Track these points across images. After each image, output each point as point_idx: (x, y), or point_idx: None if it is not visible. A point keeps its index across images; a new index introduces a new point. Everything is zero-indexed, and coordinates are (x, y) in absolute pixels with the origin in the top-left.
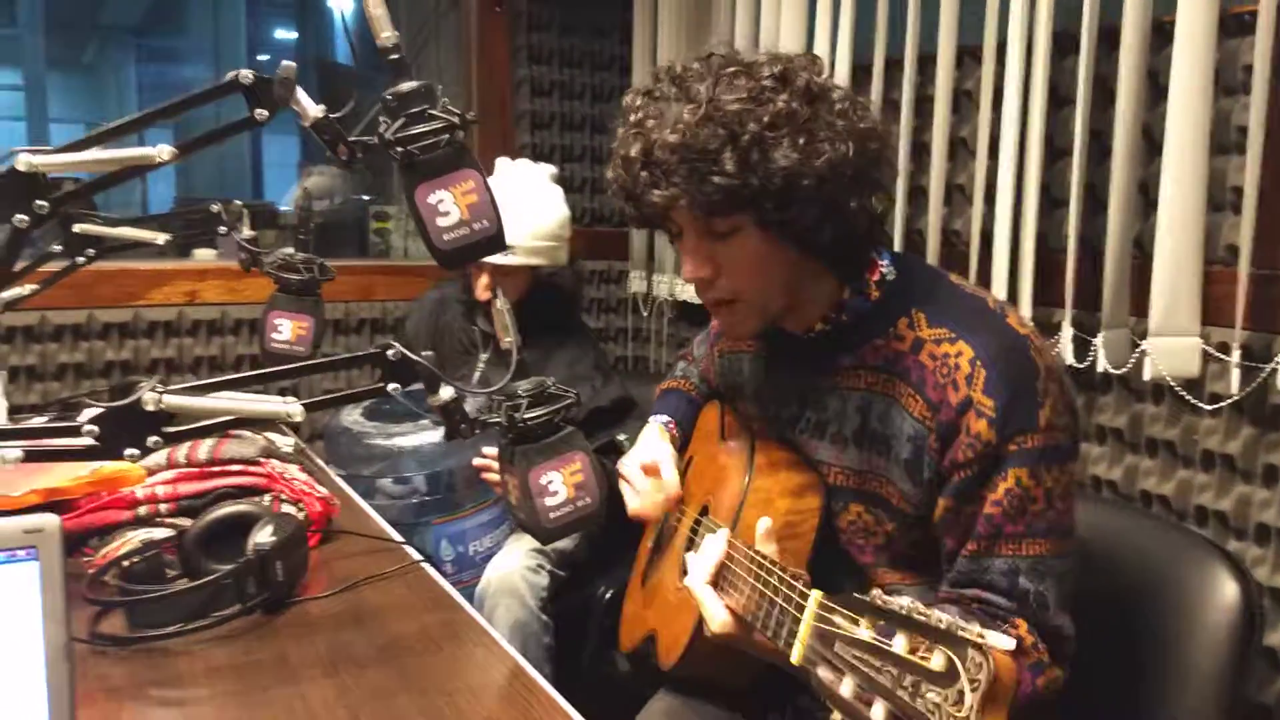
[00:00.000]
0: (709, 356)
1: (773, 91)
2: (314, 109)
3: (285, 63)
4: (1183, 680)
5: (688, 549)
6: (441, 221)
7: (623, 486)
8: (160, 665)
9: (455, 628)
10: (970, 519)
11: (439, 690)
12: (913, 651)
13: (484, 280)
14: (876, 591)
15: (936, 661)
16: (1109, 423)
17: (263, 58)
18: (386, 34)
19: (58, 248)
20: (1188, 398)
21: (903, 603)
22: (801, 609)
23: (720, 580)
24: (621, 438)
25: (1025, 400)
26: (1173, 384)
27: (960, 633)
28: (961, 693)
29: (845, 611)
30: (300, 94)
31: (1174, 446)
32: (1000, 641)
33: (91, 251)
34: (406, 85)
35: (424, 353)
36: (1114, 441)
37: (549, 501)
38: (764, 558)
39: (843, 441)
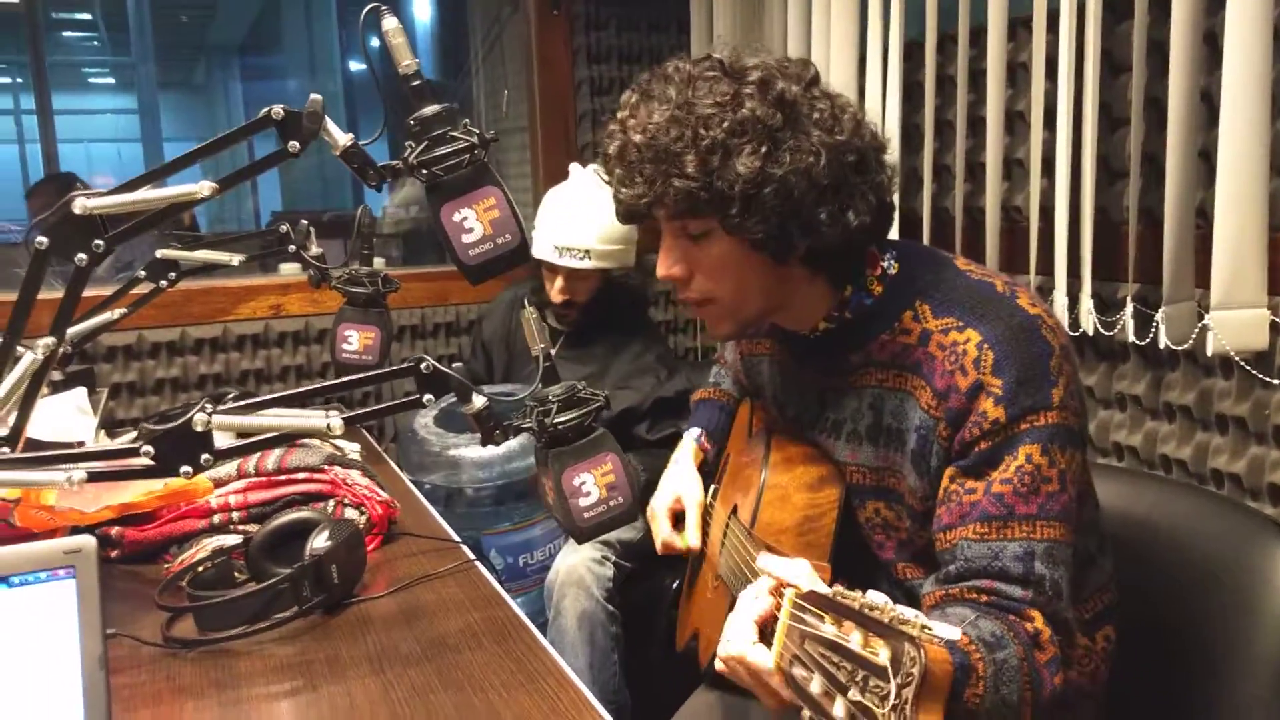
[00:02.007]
0: (736, 359)
1: (746, 98)
2: (343, 138)
3: (313, 96)
4: (1246, 665)
5: (720, 550)
6: (466, 238)
7: (651, 523)
8: (224, 665)
9: (499, 625)
10: (970, 494)
11: (475, 687)
12: (865, 646)
13: (559, 284)
14: (838, 586)
15: (882, 655)
16: (1177, 400)
17: (356, 66)
18: (407, 62)
19: (142, 273)
20: (1254, 372)
21: (860, 598)
22: (780, 607)
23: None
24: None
25: (1037, 379)
26: (1237, 358)
27: (901, 626)
28: (892, 685)
29: (814, 609)
30: (329, 124)
31: (1245, 423)
32: (944, 631)
33: (173, 275)
34: (428, 110)
35: (455, 365)
36: (1183, 419)
37: (583, 502)
38: (751, 554)
39: (858, 439)
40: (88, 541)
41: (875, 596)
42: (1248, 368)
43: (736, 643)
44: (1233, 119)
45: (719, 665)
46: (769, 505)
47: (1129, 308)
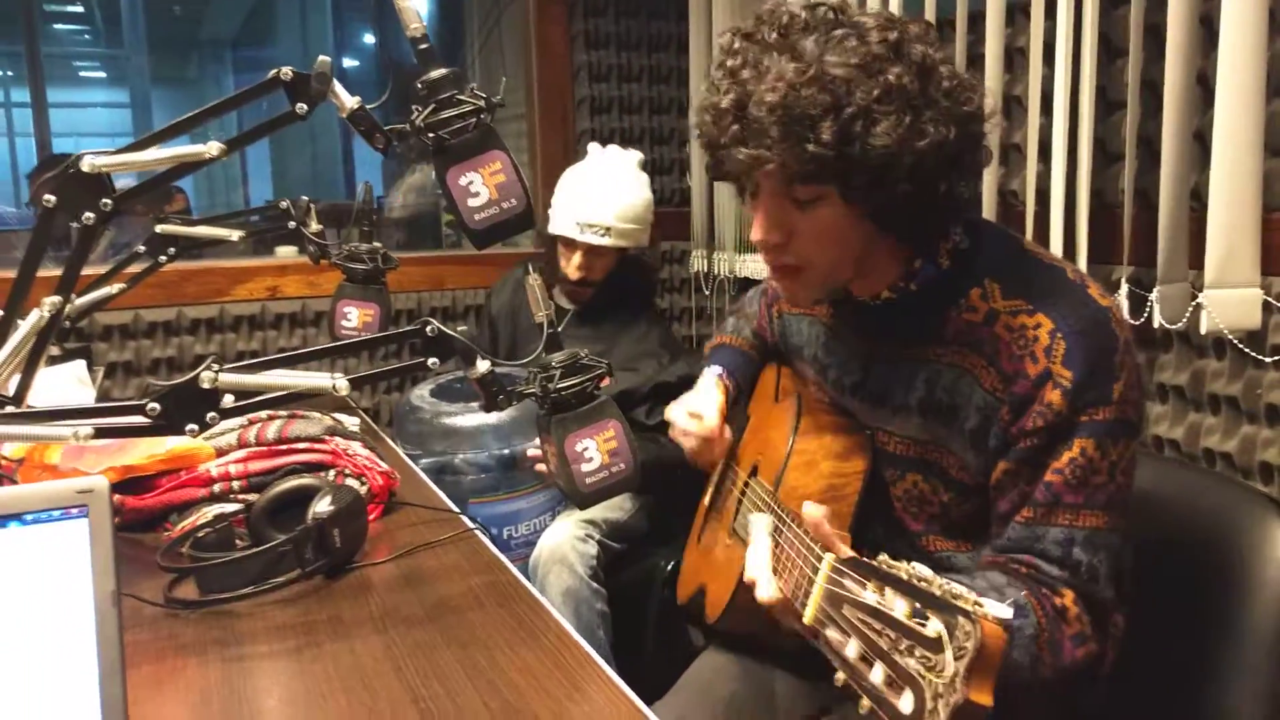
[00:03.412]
0: (764, 315)
1: (886, 62)
2: (349, 100)
3: (321, 58)
4: (1240, 638)
5: (737, 509)
6: (472, 202)
7: (672, 432)
8: (226, 625)
9: (500, 589)
10: (1029, 484)
11: (478, 644)
12: (911, 617)
13: (577, 260)
14: (883, 556)
15: (931, 627)
16: (1170, 380)
17: (350, 62)
18: (415, 25)
19: (142, 249)
20: (1248, 351)
21: (908, 568)
22: (816, 570)
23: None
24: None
25: (1102, 373)
26: (1231, 337)
27: (955, 600)
28: (945, 657)
29: (855, 575)
30: (337, 87)
31: (1236, 402)
32: (997, 610)
33: (172, 250)
34: (435, 73)
35: (460, 328)
36: (1175, 399)
37: (585, 468)
38: (794, 521)
39: (905, 411)
40: (100, 481)
41: (921, 568)
42: (1241, 346)
43: (753, 569)
44: (1228, 101)
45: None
46: (795, 469)
47: (1124, 289)
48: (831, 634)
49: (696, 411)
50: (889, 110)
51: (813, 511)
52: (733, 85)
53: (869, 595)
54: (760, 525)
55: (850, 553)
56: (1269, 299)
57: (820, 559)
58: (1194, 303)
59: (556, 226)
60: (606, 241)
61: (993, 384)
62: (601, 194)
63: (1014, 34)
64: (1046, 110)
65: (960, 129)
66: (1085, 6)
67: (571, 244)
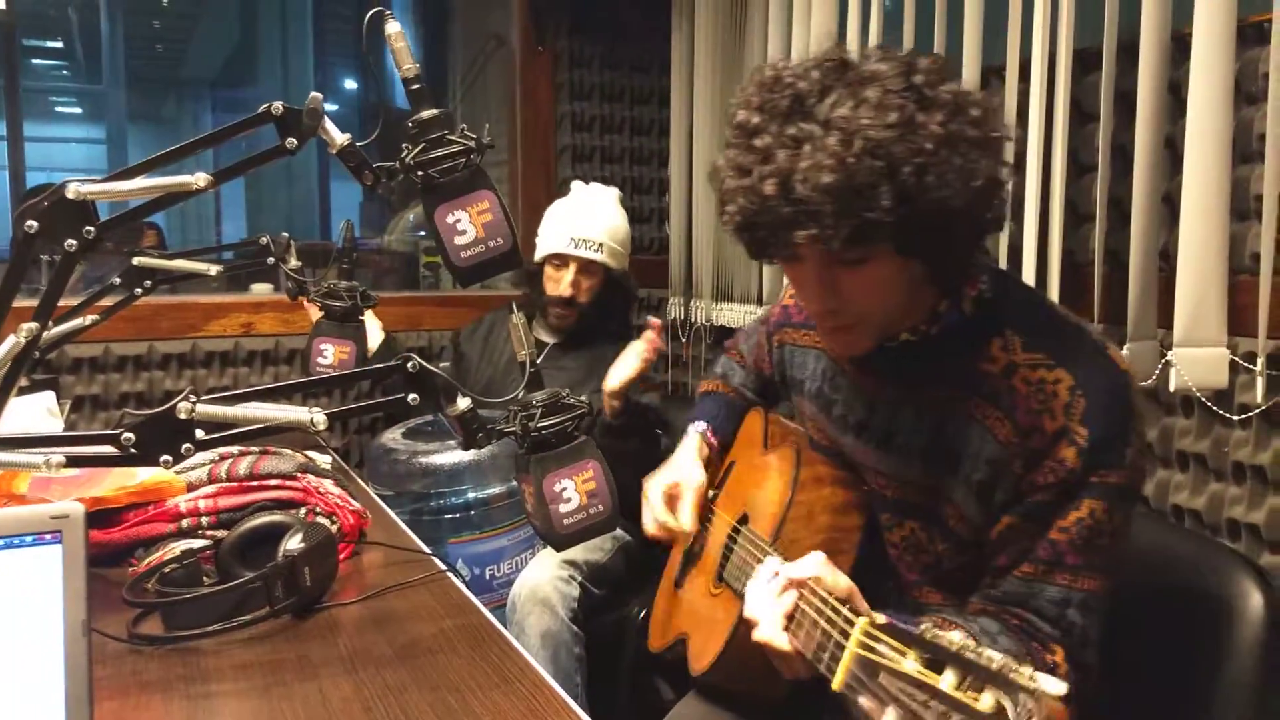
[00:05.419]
0: (764, 345)
1: (922, 110)
2: (340, 137)
3: (313, 94)
4: (1209, 693)
5: (723, 556)
6: (459, 240)
7: (644, 504)
8: (191, 663)
9: (472, 632)
10: (1031, 540)
11: (450, 687)
12: (959, 688)
13: (568, 277)
14: (927, 625)
15: (985, 701)
16: None
17: (330, 107)
18: (408, 65)
19: (117, 280)
20: (1215, 409)
21: (954, 638)
22: (846, 635)
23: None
24: (659, 433)
25: (1119, 437)
26: (1199, 395)
27: (1012, 675)
28: None
29: (892, 642)
30: (327, 123)
31: (1205, 459)
32: (1053, 687)
33: (148, 283)
34: (426, 113)
35: (441, 364)
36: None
37: (563, 509)
38: (815, 580)
39: (907, 454)
40: (76, 507)
41: (956, 636)
42: (1209, 404)
43: (767, 630)
44: (1196, 166)
45: (759, 636)
46: (794, 521)
47: None
48: (865, 701)
49: (674, 493)
50: (939, 159)
51: (813, 566)
52: (770, 172)
53: (909, 664)
54: (768, 583)
55: (881, 617)
56: (1236, 358)
57: (851, 622)
58: (1163, 361)
59: (548, 246)
60: (599, 257)
61: (1007, 436)
62: (591, 215)
63: (988, 96)
64: (1020, 170)
65: (995, 155)
66: (1058, 72)
67: (564, 261)
